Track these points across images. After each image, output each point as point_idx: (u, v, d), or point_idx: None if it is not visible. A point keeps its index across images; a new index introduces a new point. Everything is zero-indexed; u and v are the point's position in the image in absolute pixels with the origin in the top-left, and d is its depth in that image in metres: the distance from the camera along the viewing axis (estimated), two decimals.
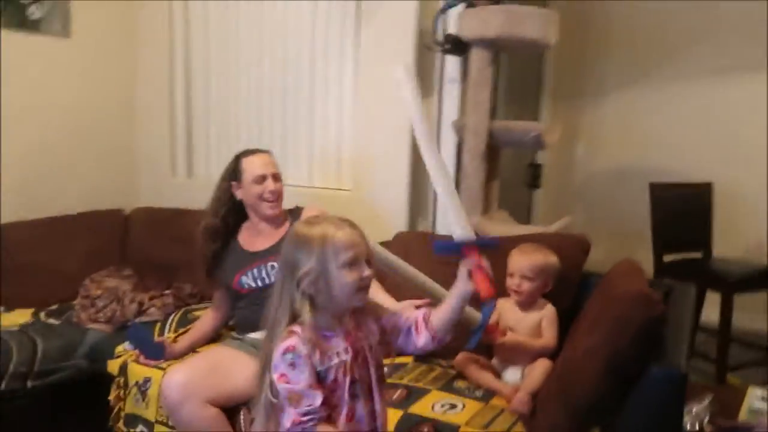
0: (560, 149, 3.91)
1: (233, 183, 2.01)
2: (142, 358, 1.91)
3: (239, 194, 2.01)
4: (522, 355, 1.78)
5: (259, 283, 1.93)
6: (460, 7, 2.36)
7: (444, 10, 2.39)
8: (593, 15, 3.73)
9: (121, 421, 1.91)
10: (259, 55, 2.89)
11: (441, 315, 1.24)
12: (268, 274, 1.93)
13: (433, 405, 1.61)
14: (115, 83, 3.07)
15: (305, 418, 1.09)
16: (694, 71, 3.48)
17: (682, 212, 3.04)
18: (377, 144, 2.60)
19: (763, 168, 3.23)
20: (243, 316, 1.97)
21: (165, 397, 1.69)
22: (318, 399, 1.09)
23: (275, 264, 1.82)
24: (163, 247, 2.68)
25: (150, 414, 1.85)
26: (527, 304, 1.85)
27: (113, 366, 1.96)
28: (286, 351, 1.10)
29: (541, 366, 1.71)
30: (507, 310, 1.87)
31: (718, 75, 3.41)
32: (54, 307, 2.35)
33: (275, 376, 1.11)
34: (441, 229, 2.49)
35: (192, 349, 1.96)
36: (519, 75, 3.48)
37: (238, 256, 2.00)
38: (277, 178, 2.00)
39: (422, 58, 2.51)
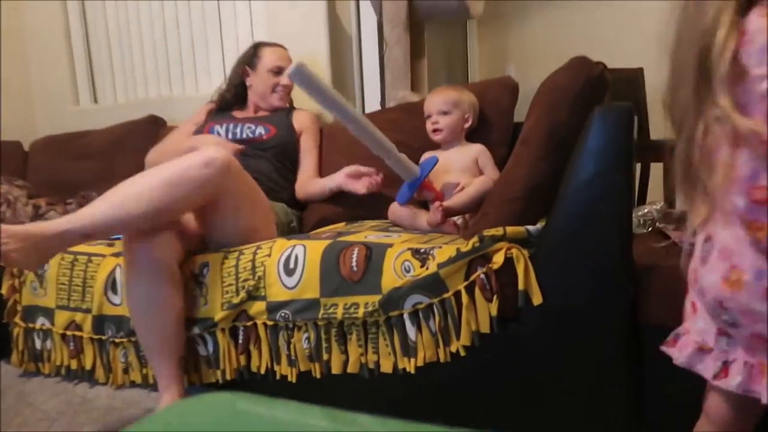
0: (492, 74, 3.84)
1: (247, 69, 2.07)
2: None
3: (249, 81, 2.07)
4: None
5: (229, 135, 1.95)
6: None
7: None
8: None
9: (18, 315, 1.67)
10: None
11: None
12: (241, 131, 1.96)
13: (366, 236, 1.44)
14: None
15: None
16: None
17: (617, 98, 2.97)
18: (291, 36, 2.41)
19: None
20: None
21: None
22: None
23: (251, 126, 1.96)
24: (66, 168, 2.47)
25: (50, 301, 1.62)
26: (451, 141, 1.72)
27: None
28: None
29: (477, 182, 1.57)
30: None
31: None
32: None
33: None
34: (368, 109, 2.33)
35: None
36: None
37: (221, 115, 2.07)
38: None
39: None
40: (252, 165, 1.78)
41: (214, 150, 1.39)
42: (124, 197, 1.32)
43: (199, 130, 2.01)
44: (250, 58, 2.07)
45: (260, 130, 1.97)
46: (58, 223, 1.26)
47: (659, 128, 3.09)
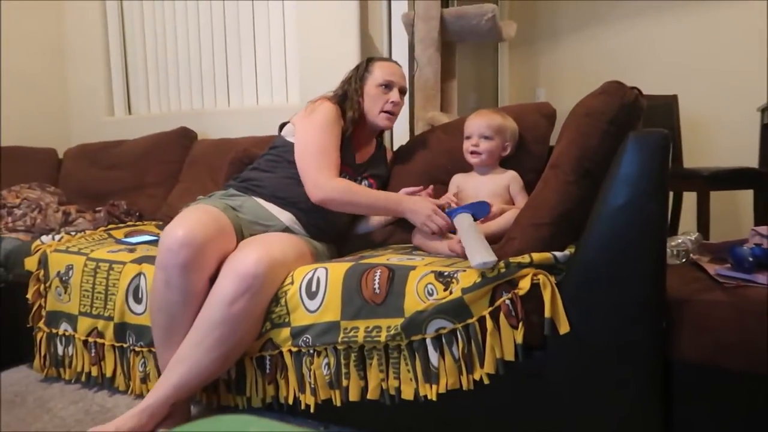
0: (522, 97, 3.82)
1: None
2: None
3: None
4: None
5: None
6: None
7: None
8: None
9: (42, 321, 1.68)
10: None
11: None
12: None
13: (388, 258, 1.42)
14: (42, 24, 2.88)
15: None
16: (642, 7, 3.41)
17: (650, 125, 2.92)
18: (323, 55, 2.43)
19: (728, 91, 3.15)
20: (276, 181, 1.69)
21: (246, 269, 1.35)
22: None
23: (366, 180, 1.78)
24: (97, 177, 2.52)
25: (73, 307, 1.63)
26: (487, 167, 1.70)
27: (31, 263, 1.74)
28: None
29: (509, 215, 1.54)
30: (465, 181, 1.72)
31: (666, 9, 3.35)
32: None
33: None
34: (396, 129, 2.32)
35: None
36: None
37: (347, 154, 1.74)
38: (402, 92, 1.84)
39: None
40: (335, 220, 1.69)
41: (252, 265, 1.34)
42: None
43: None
44: (362, 73, 1.84)
45: (365, 184, 1.79)
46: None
47: (693, 156, 3.04)
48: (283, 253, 1.41)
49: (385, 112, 1.79)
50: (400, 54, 2.40)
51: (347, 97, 1.80)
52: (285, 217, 1.63)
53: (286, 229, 1.63)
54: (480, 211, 1.52)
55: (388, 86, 1.79)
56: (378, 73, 1.80)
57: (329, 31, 2.40)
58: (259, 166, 1.72)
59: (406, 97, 2.35)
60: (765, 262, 1.20)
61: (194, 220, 1.37)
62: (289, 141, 1.71)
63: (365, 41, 2.40)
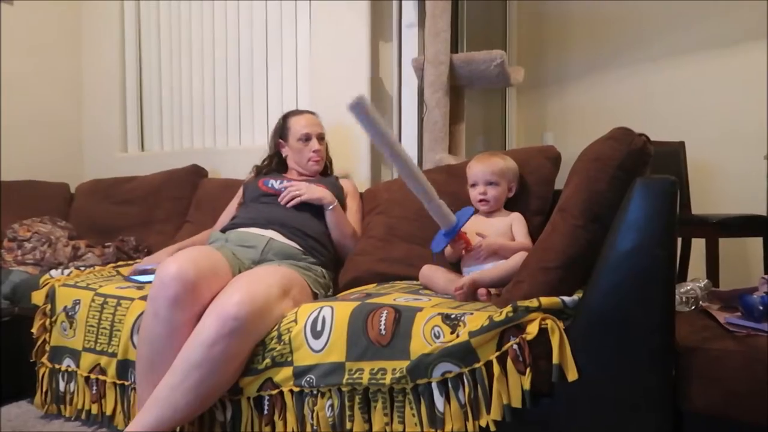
0: (529, 141, 3.86)
1: (280, 141, 2.13)
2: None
3: (285, 151, 2.13)
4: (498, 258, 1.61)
5: (282, 188, 1.96)
6: None
7: None
8: (550, 8, 3.75)
9: (46, 356, 1.68)
10: (211, 25, 2.82)
11: None
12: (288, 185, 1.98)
13: (395, 298, 1.42)
14: (61, 57, 2.96)
15: None
16: (646, 56, 3.47)
17: (658, 171, 2.93)
18: (334, 97, 2.47)
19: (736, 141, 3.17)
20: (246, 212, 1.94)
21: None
22: None
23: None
24: (108, 212, 2.54)
25: (77, 342, 1.63)
26: (493, 211, 1.72)
27: (38, 297, 1.74)
28: None
29: (514, 259, 1.54)
30: (472, 225, 1.72)
31: (673, 57, 3.40)
32: None
33: None
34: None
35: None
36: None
37: (271, 174, 2.12)
38: (321, 138, 2.12)
39: (379, 3, 2.44)
40: (308, 224, 1.84)
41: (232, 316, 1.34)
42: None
43: (254, 184, 2.03)
44: (281, 130, 2.12)
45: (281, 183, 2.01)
46: None
47: (700, 203, 3.04)
48: (266, 293, 1.41)
49: (309, 160, 2.07)
50: (410, 97, 2.44)
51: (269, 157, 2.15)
52: (268, 233, 1.76)
53: (272, 247, 1.73)
54: (463, 215, 1.56)
55: (307, 138, 2.06)
56: (295, 128, 2.08)
57: (340, 74, 2.45)
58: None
59: (415, 138, 2.40)
60: None
61: (187, 258, 1.42)
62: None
63: (376, 84, 2.44)
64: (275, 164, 2.15)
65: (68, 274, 1.79)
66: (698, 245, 2.74)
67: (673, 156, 3.03)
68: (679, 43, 3.35)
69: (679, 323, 1.11)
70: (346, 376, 1.27)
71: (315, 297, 1.65)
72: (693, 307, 1.41)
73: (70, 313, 1.65)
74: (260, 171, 2.16)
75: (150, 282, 1.79)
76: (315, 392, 1.31)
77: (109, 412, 1.58)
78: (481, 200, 1.71)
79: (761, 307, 1.17)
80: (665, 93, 3.43)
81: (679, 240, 2.75)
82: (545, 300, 1.16)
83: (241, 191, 2.11)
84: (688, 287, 1.44)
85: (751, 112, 3.13)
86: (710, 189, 3.22)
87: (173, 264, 1.38)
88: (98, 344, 1.59)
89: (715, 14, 3.23)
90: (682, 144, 3.05)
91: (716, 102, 3.24)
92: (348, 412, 1.27)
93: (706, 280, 1.50)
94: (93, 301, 1.63)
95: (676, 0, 3.31)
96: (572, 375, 1.10)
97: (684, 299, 1.41)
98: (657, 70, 3.48)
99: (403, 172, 1.46)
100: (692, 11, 3.30)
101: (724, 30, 3.20)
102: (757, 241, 2.63)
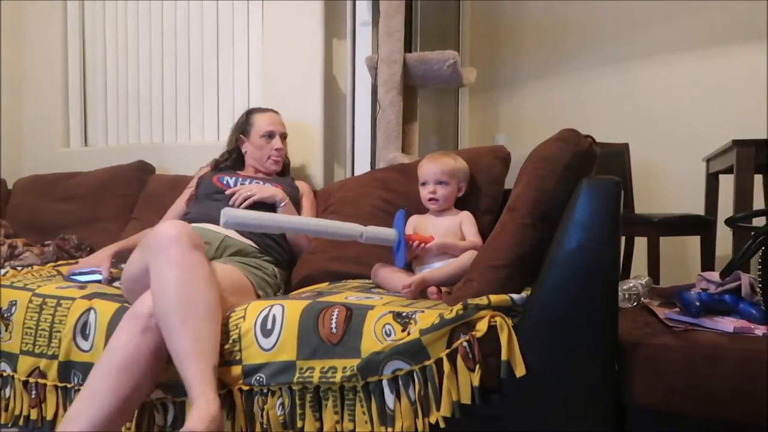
0: (482, 141, 3.91)
1: (241, 137, 2.11)
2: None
3: (245, 147, 2.11)
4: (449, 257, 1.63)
5: (237, 185, 1.94)
6: None
7: None
8: (503, 10, 3.81)
9: None
10: (160, 21, 2.75)
11: None
12: (244, 182, 1.97)
13: (346, 297, 1.41)
14: (1, 48, 2.83)
15: None
16: (596, 60, 3.57)
17: (603, 172, 3.02)
18: (286, 94, 2.45)
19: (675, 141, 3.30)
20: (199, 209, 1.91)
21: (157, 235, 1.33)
22: None
23: (260, 183, 1.95)
24: (48, 209, 2.44)
25: (14, 346, 1.55)
26: (443, 210, 1.74)
27: None
28: None
29: (464, 257, 1.55)
30: (421, 224, 1.74)
31: (620, 62, 3.51)
32: None
33: None
34: (358, 170, 2.35)
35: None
36: None
37: (225, 171, 2.08)
38: (284, 137, 2.12)
39: (332, 2, 2.43)
40: None
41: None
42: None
43: (208, 179, 2.00)
44: (243, 126, 2.11)
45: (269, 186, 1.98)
46: None
47: (643, 203, 3.15)
48: None
49: (270, 158, 2.07)
50: (364, 95, 2.43)
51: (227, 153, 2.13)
52: (224, 230, 1.73)
53: (228, 245, 1.72)
54: (398, 222, 1.58)
55: (270, 135, 2.07)
56: (259, 124, 2.08)
57: (294, 71, 2.42)
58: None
59: (369, 137, 2.40)
60: (711, 307, 1.24)
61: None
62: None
63: (329, 82, 2.43)
64: (233, 160, 2.13)
65: (4, 275, 1.71)
66: (641, 244, 2.85)
67: (618, 157, 3.13)
68: (625, 47, 3.46)
69: (621, 319, 1.15)
70: (297, 375, 1.25)
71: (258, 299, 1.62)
72: (635, 304, 1.46)
73: (5, 315, 1.57)
74: (218, 165, 2.13)
75: (93, 281, 1.73)
76: (265, 391, 1.29)
77: (50, 416, 1.51)
78: (430, 199, 1.72)
79: (698, 303, 1.22)
80: (612, 96, 3.54)
81: (623, 238, 2.85)
82: (495, 298, 1.18)
83: (194, 183, 2.07)
84: (631, 284, 1.49)
85: (692, 116, 3.26)
86: (652, 189, 3.34)
87: (172, 226, 1.33)
88: (37, 346, 1.52)
89: (660, 21, 3.36)
90: (626, 146, 3.16)
91: (660, 106, 3.37)
92: (299, 411, 1.26)
93: (648, 278, 1.56)
94: (31, 301, 1.56)
95: (626, 4, 3.42)
96: (520, 371, 1.13)
97: (626, 296, 1.46)
98: (605, 73, 3.58)
99: (318, 234, 1.55)
100: (640, 17, 3.42)
101: (668, 36, 3.33)
102: (696, 240, 2.75)
